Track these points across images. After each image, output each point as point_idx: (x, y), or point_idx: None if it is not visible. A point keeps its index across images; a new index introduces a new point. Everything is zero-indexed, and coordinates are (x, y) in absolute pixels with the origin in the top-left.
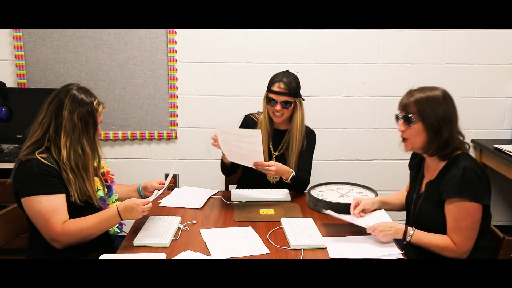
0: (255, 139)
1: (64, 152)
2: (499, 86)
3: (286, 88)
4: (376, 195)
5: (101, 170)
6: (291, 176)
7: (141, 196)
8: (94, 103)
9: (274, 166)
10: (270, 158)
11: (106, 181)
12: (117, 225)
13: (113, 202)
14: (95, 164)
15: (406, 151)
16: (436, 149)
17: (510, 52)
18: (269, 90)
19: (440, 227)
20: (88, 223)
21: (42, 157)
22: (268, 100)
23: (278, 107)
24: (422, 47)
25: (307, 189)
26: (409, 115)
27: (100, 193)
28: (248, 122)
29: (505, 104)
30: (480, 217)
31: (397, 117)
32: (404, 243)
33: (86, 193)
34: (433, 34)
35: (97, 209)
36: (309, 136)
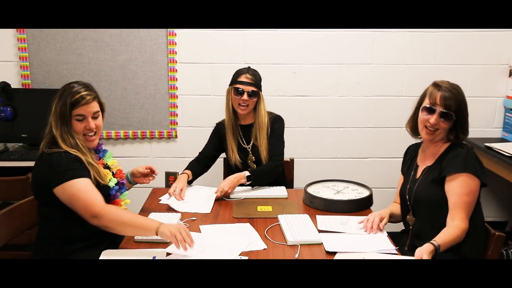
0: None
1: (62, 143)
2: (490, 86)
3: (253, 79)
4: (371, 192)
5: (112, 169)
6: (245, 177)
7: (130, 183)
8: (75, 97)
9: (224, 186)
10: (245, 153)
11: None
12: None
13: (123, 200)
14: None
15: (428, 139)
16: (454, 139)
17: (500, 53)
18: (235, 82)
19: (435, 203)
20: (128, 216)
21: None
22: (235, 91)
23: (245, 96)
24: (415, 49)
25: (304, 186)
26: (449, 112)
27: (112, 183)
28: (220, 128)
29: (495, 103)
30: (477, 198)
31: (430, 109)
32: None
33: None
34: (425, 35)
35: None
36: (273, 122)
